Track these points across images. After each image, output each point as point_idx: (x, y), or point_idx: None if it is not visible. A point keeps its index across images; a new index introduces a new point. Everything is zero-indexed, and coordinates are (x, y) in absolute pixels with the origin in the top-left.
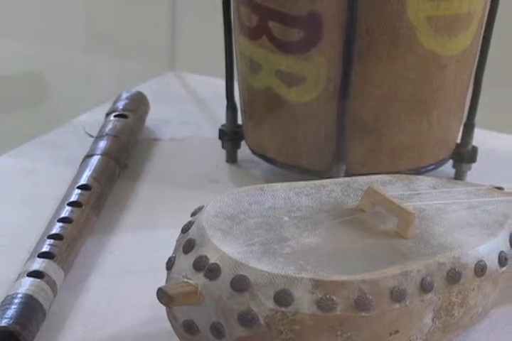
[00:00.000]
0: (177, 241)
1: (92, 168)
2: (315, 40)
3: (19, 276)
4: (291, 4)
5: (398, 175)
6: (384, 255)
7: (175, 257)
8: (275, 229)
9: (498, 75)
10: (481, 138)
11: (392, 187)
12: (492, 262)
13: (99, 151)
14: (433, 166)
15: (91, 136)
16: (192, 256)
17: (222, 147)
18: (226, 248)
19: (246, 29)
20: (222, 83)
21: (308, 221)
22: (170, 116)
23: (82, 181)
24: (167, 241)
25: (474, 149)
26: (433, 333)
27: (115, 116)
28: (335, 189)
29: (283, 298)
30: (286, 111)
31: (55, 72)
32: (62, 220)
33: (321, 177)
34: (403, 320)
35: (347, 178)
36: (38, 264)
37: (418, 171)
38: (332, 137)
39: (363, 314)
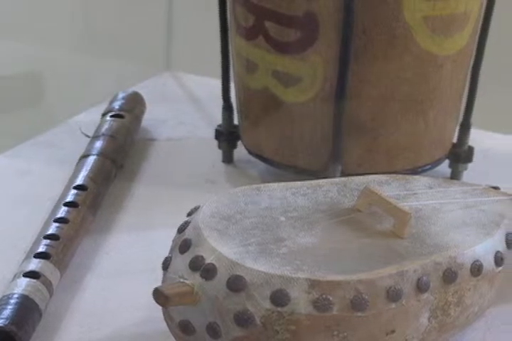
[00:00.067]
0: (173, 241)
1: (88, 168)
2: (311, 40)
3: (15, 277)
4: (288, 4)
5: (394, 175)
6: (380, 255)
7: (171, 257)
8: (271, 229)
9: (494, 75)
10: (477, 138)
11: (388, 187)
12: (488, 262)
13: (95, 151)
14: (429, 166)
15: (87, 136)
16: (188, 256)
17: (219, 147)
18: (222, 248)
19: (242, 29)
20: (218, 83)
21: (304, 221)
22: (166, 116)
23: (79, 181)
24: (163, 241)
25: (470, 149)
26: (429, 333)
27: (111, 116)
28: (331, 189)
29: (279, 298)
30: (282, 111)
31: (51, 72)
32: (58, 220)
33: (318, 177)
34: (399, 320)
35: (343, 178)
36: (34, 264)
37: (414, 171)
38: (328, 137)
39: (359, 314)
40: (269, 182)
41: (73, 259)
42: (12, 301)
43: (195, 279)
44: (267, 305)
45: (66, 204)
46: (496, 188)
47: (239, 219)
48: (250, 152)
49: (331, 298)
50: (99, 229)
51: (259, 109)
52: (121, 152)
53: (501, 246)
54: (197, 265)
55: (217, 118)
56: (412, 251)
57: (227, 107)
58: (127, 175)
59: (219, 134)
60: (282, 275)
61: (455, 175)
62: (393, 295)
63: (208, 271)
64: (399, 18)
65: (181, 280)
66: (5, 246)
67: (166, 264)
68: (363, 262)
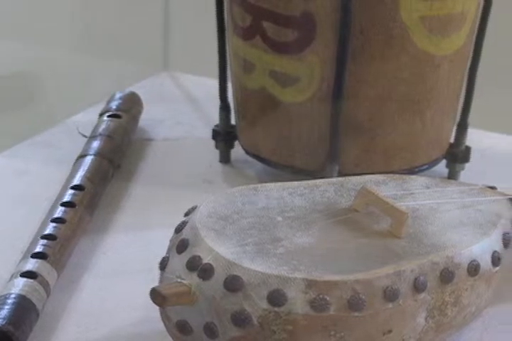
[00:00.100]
0: (170, 241)
1: (86, 168)
2: (309, 40)
3: (12, 277)
4: (285, 4)
5: (391, 174)
6: (377, 255)
7: (168, 257)
8: (268, 229)
9: (491, 75)
10: (474, 137)
11: (385, 187)
12: (485, 262)
13: (92, 151)
14: (426, 166)
15: (84, 136)
16: (185, 256)
17: (216, 147)
18: (219, 248)
19: (239, 29)
20: (215, 83)
21: (301, 221)
22: (163, 116)
23: (76, 181)
24: (160, 241)
25: (467, 149)
26: (426, 332)
27: (108, 116)
28: (328, 189)
29: (276, 298)
30: (279, 112)
31: (48, 72)
32: (55, 220)
33: (315, 177)
34: (396, 320)
35: (340, 178)
36: (31, 264)
37: (411, 171)
38: (326, 137)
39: (356, 314)
40: (266, 182)
41: (70, 259)
42: (9, 301)
43: (192, 279)
44: (264, 305)
45: (63, 204)
46: (493, 188)
47: (236, 219)
48: (247, 152)
49: (328, 298)
50: (96, 229)
51: (256, 109)
52: (119, 152)
53: (498, 246)
54: (194, 265)
55: (215, 118)
56: (409, 250)
57: (224, 107)
58: (124, 175)
59: (216, 134)
60: (279, 275)
61: (452, 175)
62: (390, 295)
63: (205, 271)
64: (396, 18)
65: (178, 280)
66: (2, 246)
67: (163, 264)
68: (360, 262)
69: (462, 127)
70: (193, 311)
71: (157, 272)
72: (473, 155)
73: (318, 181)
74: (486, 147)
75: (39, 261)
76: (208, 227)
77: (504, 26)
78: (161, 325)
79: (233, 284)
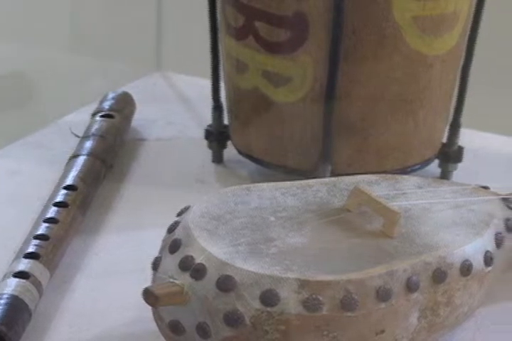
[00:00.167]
0: (163, 241)
1: (78, 168)
2: (301, 40)
3: (4, 277)
4: (278, 4)
5: (384, 174)
6: (370, 255)
7: (161, 257)
8: (261, 229)
9: (483, 75)
10: (466, 137)
11: (378, 186)
12: (478, 262)
13: (85, 151)
14: (419, 166)
15: (77, 136)
16: (178, 256)
17: (209, 147)
18: (212, 248)
19: (232, 29)
20: (208, 83)
21: (294, 221)
22: (156, 117)
23: (68, 181)
24: (153, 241)
25: (460, 149)
26: (419, 332)
27: (101, 116)
28: (321, 189)
29: (269, 298)
30: (272, 112)
31: (40, 72)
32: (48, 220)
33: (307, 177)
34: (389, 320)
35: (333, 178)
36: (23, 265)
37: (404, 171)
38: (318, 137)
39: (349, 314)
40: (259, 182)
41: (63, 259)
42: (1, 301)
43: (185, 279)
44: (257, 305)
45: (56, 205)
46: (485, 188)
47: (229, 219)
48: (240, 152)
49: (320, 298)
50: (88, 229)
51: (249, 109)
52: (111, 152)
53: (491, 246)
54: (187, 265)
55: (207, 118)
56: (401, 250)
57: (217, 107)
58: (117, 175)
59: (209, 134)
60: (272, 275)
61: (445, 175)
62: (383, 294)
63: (197, 271)
64: (388, 18)
65: (171, 280)
66: None
67: (155, 264)
68: (352, 262)
69: (455, 127)
70: (186, 311)
71: (150, 272)
72: (465, 155)
73: (310, 181)
74: (479, 147)
75: (31, 261)
76: (201, 227)
77: (496, 26)
78: (153, 325)
79: (226, 284)
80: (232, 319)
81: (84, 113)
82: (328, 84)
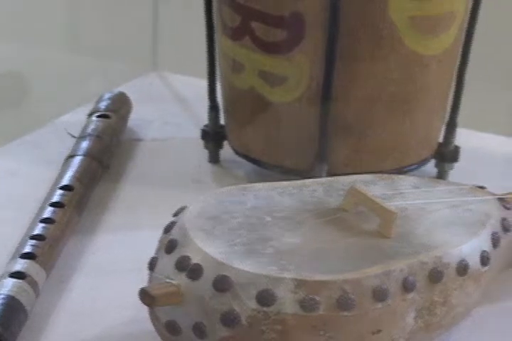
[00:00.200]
0: (159, 241)
1: (75, 168)
2: (297, 40)
3: (1, 277)
4: (274, 4)
5: (380, 174)
6: (366, 254)
7: (157, 257)
8: (258, 229)
9: (480, 75)
10: (463, 137)
11: (374, 186)
12: (474, 261)
13: (81, 152)
14: (415, 166)
15: (73, 136)
16: (174, 257)
17: (205, 147)
18: (208, 248)
19: (228, 29)
20: (204, 83)
21: (290, 221)
22: (152, 117)
23: (65, 182)
24: (149, 241)
25: (457, 149)
26: (415, 332)
27: (97, 116)
28: (317, 189)
29: (265, 297)
30: (268, 111)
31: (37, 72)
32: (44, 221)
33: (304, 177)
34: (385, 320)
35: (329, 178)
36: (20, 265)
37: (401, 171)
38: (315, 137)
39: (346, 313)
40: (255, 182)
41: (59, 259)
42: None
43: (181, 279)
44: (253, 305)
45: (52, 205)
46: (482, 188)
47: (225, 219)
48: (236, 152)
49: (317, 298)
50: (85, 229)
51: (245, 109)
52: (107, 152)
53: (487, 246)
54: (183, 265)
55: (204, 118)
56: (398, 250)
57: (213, 107)
58: (113, 175)
59: (205, 134)
60: (268, 275)
61: (441, 175)
62: (379, 294)
63: (194, 271)
64: (385, 18)
65: (167, 280)
66: None
67: (152, 264)
68: (349, 262)
69: (451, 127)
70: (182, 311)
71: (146, 272)
72: (462, 155)
73: (307, 181)
74: (475, 147)
75: (28, 261)
76: (197, 227)
77: (493, 26)
78: (150, 325)
79: (222, 284)
80: (229, 319)
81: (80, 113)
82: (325, 84)
